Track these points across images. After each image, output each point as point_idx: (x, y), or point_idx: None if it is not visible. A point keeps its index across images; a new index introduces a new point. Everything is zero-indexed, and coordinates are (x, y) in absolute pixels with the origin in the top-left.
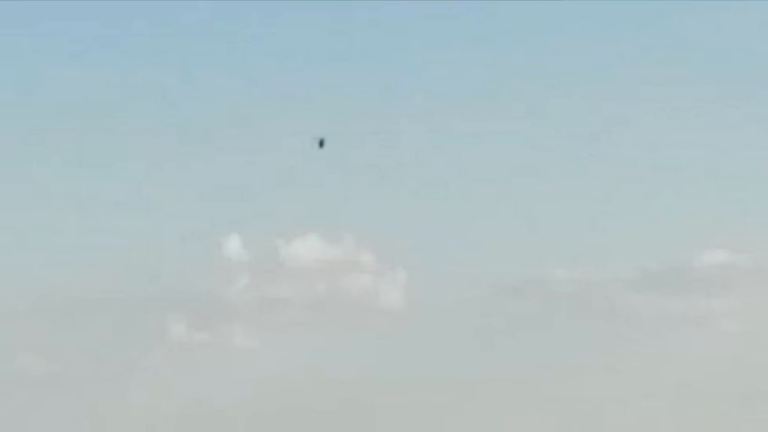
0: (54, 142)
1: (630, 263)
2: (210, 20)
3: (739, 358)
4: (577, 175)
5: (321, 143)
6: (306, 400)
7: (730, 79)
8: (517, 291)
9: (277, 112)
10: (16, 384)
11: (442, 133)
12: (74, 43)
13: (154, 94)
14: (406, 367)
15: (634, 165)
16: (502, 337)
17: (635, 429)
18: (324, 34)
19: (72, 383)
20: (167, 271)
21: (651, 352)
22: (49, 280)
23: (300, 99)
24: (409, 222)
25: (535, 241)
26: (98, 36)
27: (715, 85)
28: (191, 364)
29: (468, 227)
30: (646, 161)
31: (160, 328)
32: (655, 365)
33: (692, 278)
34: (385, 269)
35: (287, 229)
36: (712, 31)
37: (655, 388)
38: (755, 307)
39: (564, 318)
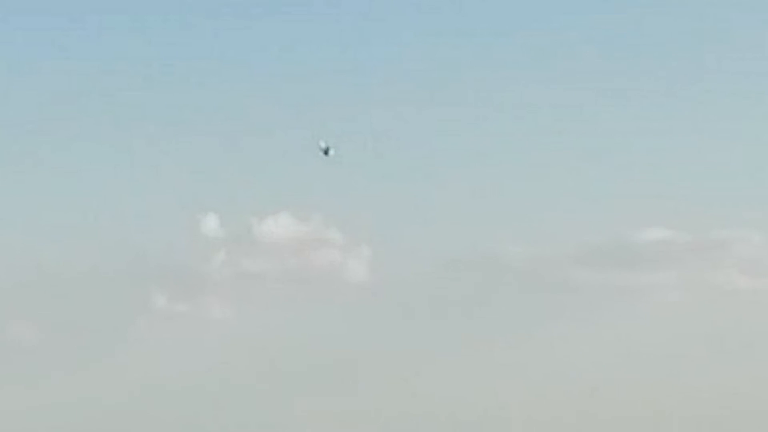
0: (41, 125)
1: (577, 239)
2: (186, 7)
3: (679, 327)
4: (528, 157)
5: (326, 152)
6: (278, 366)
7: (669, 64)
8: (473, 265)
9: (252, 97)
10: (9, 351)
11: (403, 119)
12: (56, 30)
13: (135, 79)
14: (370, 336)
15: (582, 147)
16: (458, 308)
17: (582, 394)
18: (293, 21)
19: (61, 351)
20: (150, 247)
21: (596, 321)
22: (40, 255)
23: (274, 84)
24: (373, 202)
25: (490, 218)
26: (81, 22)
27: (656, 70)
28: (172, 333)
29: (428, 206)
30: (592, 144)
31: (143, 300)
32: (600, 334)
33: (635, 253)
34: (351, 245)
35: (260, 209)
36: (656, 21)
37: (600, 356)
38: (693, 280)
39: (515, 290)
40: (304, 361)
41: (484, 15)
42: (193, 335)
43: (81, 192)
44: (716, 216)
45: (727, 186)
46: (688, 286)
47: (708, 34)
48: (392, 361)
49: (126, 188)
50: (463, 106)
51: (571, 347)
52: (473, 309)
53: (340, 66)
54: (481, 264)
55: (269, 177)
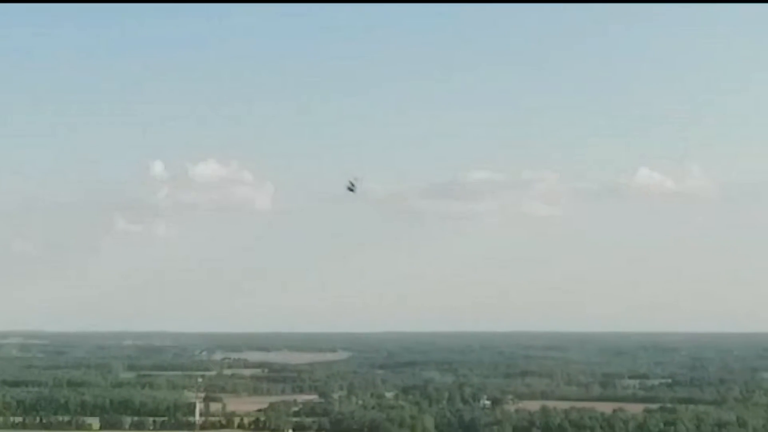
0: (29, 89)
1: (423, 179)
2: None
3: (498, 243)
4: (391, 117)
5: (351, 188)
6: (207, 271)
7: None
8: (348, 198)
9: (187, 69)
10: (13, 262)
11: (301, 91)
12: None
13: (106, 46)
14: (273, 250)
15: (429, 111)
16: (335, 230)
17: (426, 290)
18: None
19: (52, 260)
20: (113, 185)
21: (438, 240)
22: (35, 189)
23: (211, 55)
24: (276, 151)
25: (358, 163)
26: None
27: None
28: (130, 246)
29: (314, 155)
30: (437, 109)
31: (109, 223)
32: (440, 249)
33: (465, 189)
34: (259, 184)
35: (194, 156)
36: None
37: (441, 264)
38: (507, 209)
39: (378, 218)
40: (225, 267)
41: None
42: (145, 248)
43: (60, 143)
44: (523, 161)
45: (532, 136)
46: (504, 213)
47: None
48: (289, 268)
49: (95, 140)
50: (351, 80)
51: (420, 258)
52: (346, 231)
53: (259, 30)
54: (352, 197)
55: (200, 134)
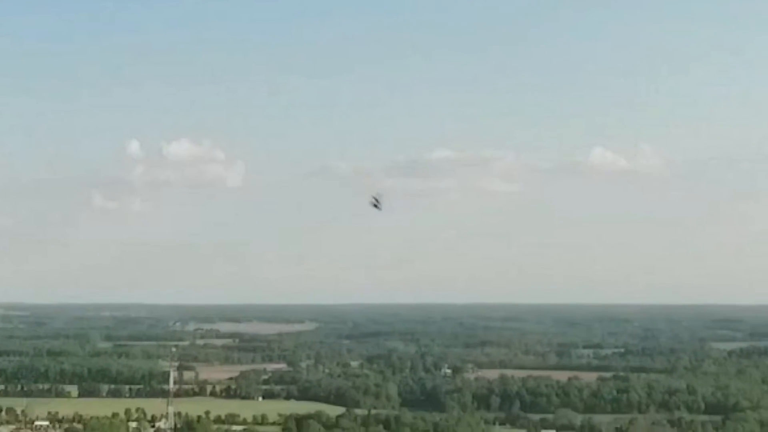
0: (8, 72)
1: (387, 157)
2: None
3: (458, 218)
4: (358, 97)
5: (376, 204)
6: (181, 246)
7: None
8: (316, 175)
9: (162, 52)
10: None
11: (271, 73)
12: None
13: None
14: (243, 226)
15: (393, 92)
16: (303, 206)
17: (393, 263)
18: None
19: (32, 234)
20: (91, 163)
21: (401, 215)
22: (16, 167)
23: (185, 38)
24: (245, 131)
25: (325, 141)
26: None
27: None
28: (107, 221)
29: (285, 135)
30: (401, 90)
31: (86, 199)
32: (403, 223)
33: (427, 167)
34: (230, 162)
35: (168, 136)
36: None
37: (404, 237)
38: (467, 186)
39: (345, 193)
40: (198, 240)
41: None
42: (122, 224)
43: (39, 125)
44: (483, 140)
45: (492, 116)
46: (464, 190)
47: None
48: (259, 243)
49: (74, 122)
50: (314, 60)
51: (384, 233)
52: (314, 208)
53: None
54: (320, 173)
55: (174, 114)
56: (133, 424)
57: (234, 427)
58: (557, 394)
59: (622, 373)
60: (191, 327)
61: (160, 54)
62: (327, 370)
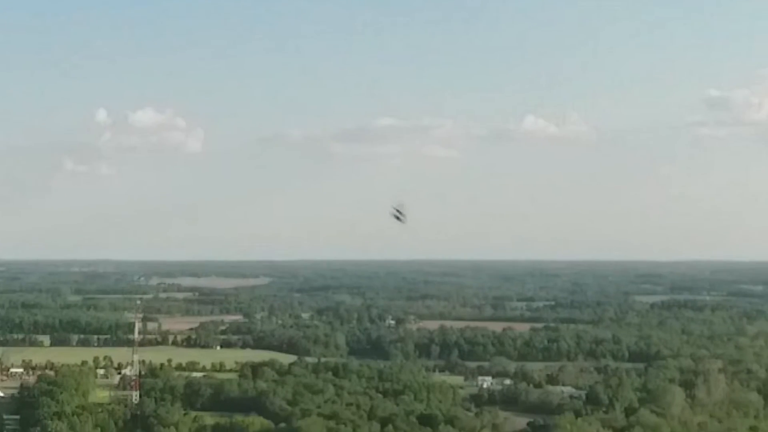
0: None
1: (335, 125)
2: None
3: (401, 181)
4: (309, 68)
5: (399, 216)
6: (145, 207)
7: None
8: (270, 141)
9: (128, 25)
10: None
11: (229, 45)
12: None
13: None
14: (203, 188)
15: (341, 63)
16: (260, 170)
17: (341, 228)
18: None
19: (6, 198)
20: (62, 130)
21: (349, 179)
22: None
23: (149, 10)
24: (205, 100)
25: (278, 109)
26: None
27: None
28: (77, 185)
29: (241, 103)
30: (349, 61)
31: (58, 164)
32: (351, 187)
33: (372, 134)
34: (190, 129)
35: (133, 104)
36: None
37: (350, 200)
38: (409, 152)
39: (296, 159)
40: (161, 201)
41: None
42: (91, 186)
43: (13, 94)
44: (424, 109)
45: (432, 87)
46: (406, 156)
47: None
48: (217, 204)
49: (46, 91)
50: (283, 38)
51: (332, 195)
52: (268, 171)
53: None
54: (275, 140)
55: (139, 84)
56: (101, 371)
57: (194, 374)
58: (493, 344)
59: (552, 324)
60: (154, 281)
61: (127, 28)
62: (280, 322)
